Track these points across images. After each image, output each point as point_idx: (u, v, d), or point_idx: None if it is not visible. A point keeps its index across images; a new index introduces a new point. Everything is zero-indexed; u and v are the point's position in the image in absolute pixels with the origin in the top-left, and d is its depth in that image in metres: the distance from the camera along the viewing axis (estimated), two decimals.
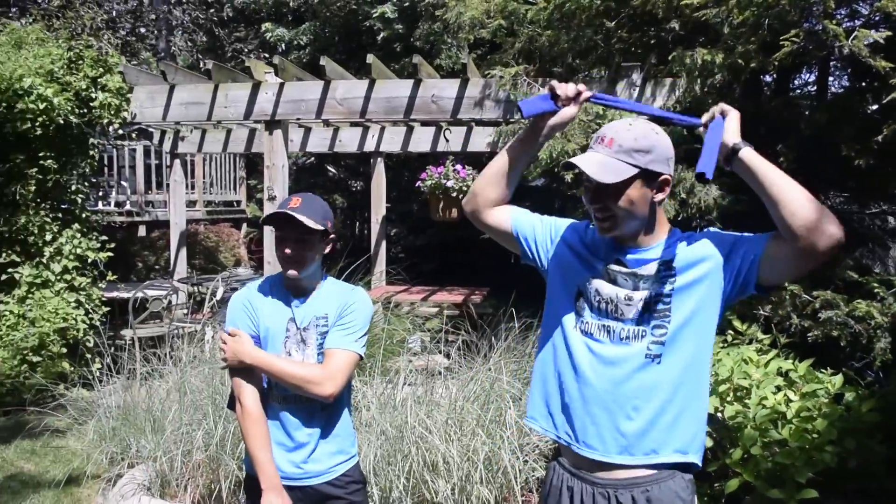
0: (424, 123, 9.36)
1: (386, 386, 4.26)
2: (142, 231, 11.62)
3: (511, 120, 6.24)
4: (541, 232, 2.16)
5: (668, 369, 1.91)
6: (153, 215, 11.76)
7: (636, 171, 1.87)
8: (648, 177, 1.90)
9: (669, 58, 5.08)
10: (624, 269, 1.97)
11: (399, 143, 9.79)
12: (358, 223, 16.60)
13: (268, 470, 2.31)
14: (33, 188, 6.54)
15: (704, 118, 1.96)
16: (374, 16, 12.23)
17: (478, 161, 7.88)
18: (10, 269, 6.54)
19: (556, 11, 5.73)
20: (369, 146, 9.80)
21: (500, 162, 2.13)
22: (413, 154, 13.98)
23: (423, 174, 6.75)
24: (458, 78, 6.35)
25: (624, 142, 1.88)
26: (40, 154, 6.54)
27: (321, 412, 2.41)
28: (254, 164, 15.52)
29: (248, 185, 14.98)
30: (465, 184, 6.64)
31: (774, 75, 6.17)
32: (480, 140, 9.04)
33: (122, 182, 12.14)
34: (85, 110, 6.72)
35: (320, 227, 2.35)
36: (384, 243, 10.37)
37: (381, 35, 12.46)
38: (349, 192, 16.08)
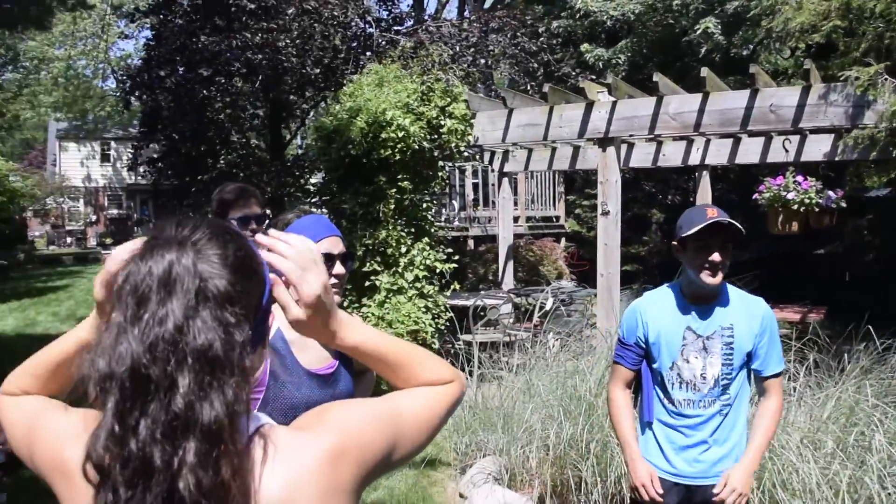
0: (753, 134, 8.97)
1: None
2: (470, 244, 12.57)
3: (859, 125, 5.79)
4: None
5: None
6: (481, 230, 12.66)
7: None
8: None
9: None
10: None
11: (725, 156, 9.50)
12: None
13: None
14: (392, 206, 7.45)
15: None
16: (697, 31, 12.02)
17: (812, 171, 7.39)
18: (371, 277, 7.52)
19: None
20: (694, 160, 9.63)
21: None
22: (735, 167, 13.46)
23: (760, 186, 6.51)
24: (797, 85, 6.03)
25: None
26: (398, 176, 7.44)
27: (721, 418, 2.53)
28: (572, 180, 15.97)
29: (567, 200, 15.44)
30: (806, 195, 6.27)
31: None
32: (815, 149, 8.45)
33: (453, 200, 13.25)
34: (435, 136, 7.51)
35: (742, 233, 2.44)
36: None
37: (704, 48, 12.20)
38: (665, 206, 15.84)
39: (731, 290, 2.60)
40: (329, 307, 1.11)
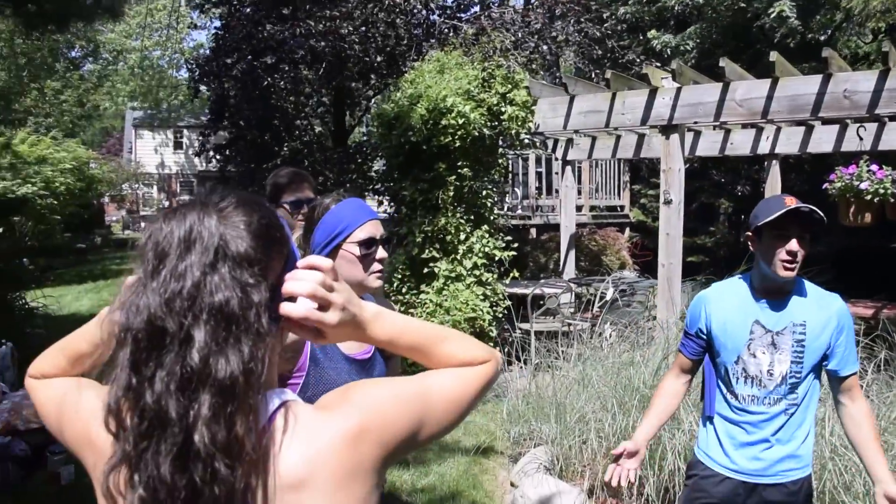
0: (826, 122, 8.63)
1: None
2: (532, 233, 12.48)
3: None
4: None
5: None
6: (543, 219, 12.55)
7: None
8: None
9: None
10: None
11: (797, 144, 9.16)
12: (743, 229, 15.83)
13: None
14: (451, 193, 7.43)
15: None
16: (771, 14, 11.60)
17: (890, 160, 7.05)
18: (430, 264, 7.53)
19: None
20: (763, 148, 9.32)
21: None
22: (807, 156, 12.98)
23: (831, 176, 6.23)
24: (873, 69, 5.74)
25: None
26: (458, 163, 7.41)
27: (787, 417, 2.43)
28: (637, 169, 15.68)
29: (632, 190, 15.18)
30: (881, 185, 5.98)
31: None
32: (893, 137, 8.06)
33: (516, 188, 13.16)
34: (495, 123, 7.46)
35: (823, 222, 2.30)
36: None
37: (778, 33, 11.78)
38: (734, 197, 15.42)
39: (807, 284, 2.47)
40: (356, 309, 1.09)
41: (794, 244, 2.28)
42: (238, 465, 0.90)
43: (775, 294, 2.41)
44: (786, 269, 2.30)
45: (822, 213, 2.28)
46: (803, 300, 2.41)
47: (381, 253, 1.96)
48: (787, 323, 2.38)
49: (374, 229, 1.96)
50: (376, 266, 1.96)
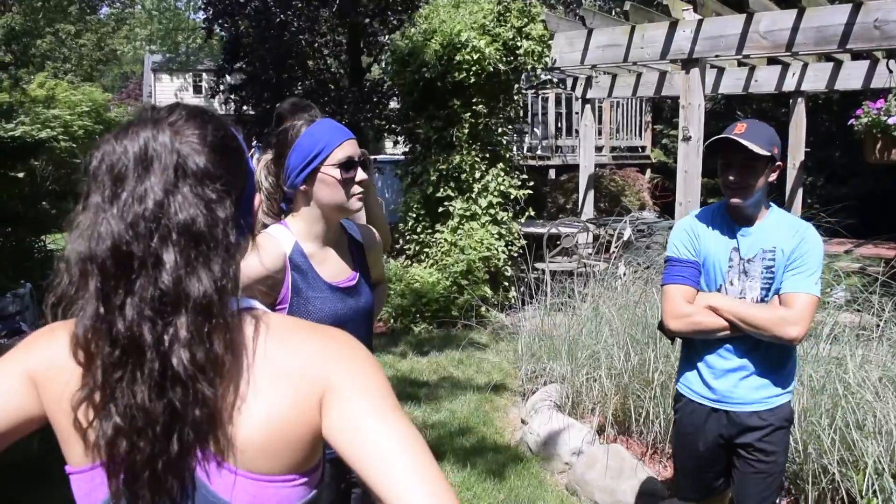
0: (856, 56, 8.32)
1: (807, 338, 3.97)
2: (552, 174, 12.30)
3: None
4: None
5: None
6: (563, 159, 12.36)
7: None
8: None
9: None
10: None
11: (824, 81, 8.85)
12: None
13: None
14: (466, 131, 7.30)
15: None
16: None
17: None
18: (445, 203, 7.44)
19: None
20: (788, 85, 9.02)
21: None
22: (834, 95, 12.61)
23: (857, 111, 6.00)
24: None
25: None
26: (473, 100, 7.26)
27: (766, 345, 2.35)
28: (659, 109, 15.36)
29: (654, 130, 14.89)
30: None
31: None
32: None
33: (535, 129, 12.94)
34: (511, 58, 7.27)
35: (766, 153, 2.26)
36: (800, 192, 9.57)
37: None
38: None
39: (779, 212, 2.42)
40: None
41: (731, 175, 2.30)
42: (219, 383, 0.88)
43: (745, 221, 2.39)
44: (731, 195, 2.32)
45: (754, 147, 2.23)
46: (774, 227, 2.37)
47: (360, 174, 1.87)
48: (758, 250, 2.35)
49: (352, 149, 1.87)
50: (356, 189, 1.87)
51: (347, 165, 1.84)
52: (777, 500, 2.49)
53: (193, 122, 0.95)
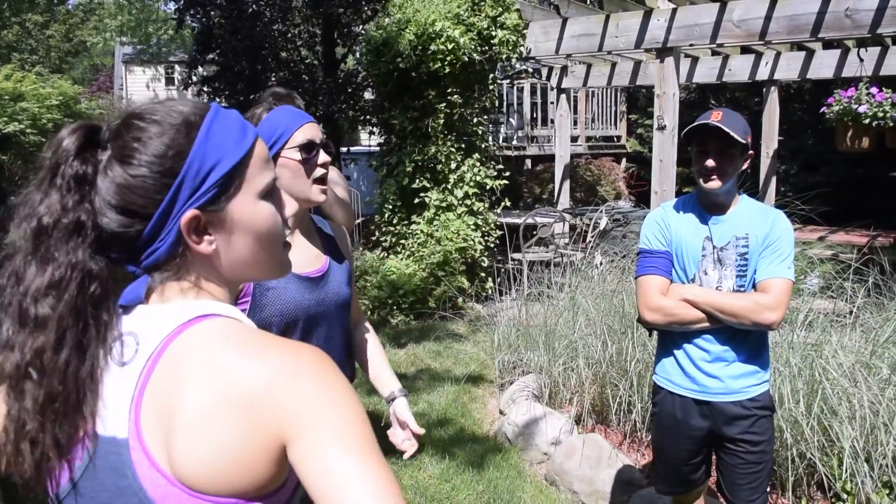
0: (827, 45, 8.39)
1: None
2: (527, 164, 12.30)
3: None
4: None
5: None
6: (538, 149, 12.36)
7: None
8: None
9: None
10: None
11: (797, 70, 8.92)
12: None
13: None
14: (441, 121, 7.26)
15: None
16: None
17: (893, 85, 6.85)
18: (421, 194, 7.41)
19: None
20: (762, 74, 9.08)
21: None
22: (806, 84, 12.71)
23: (829, 99, 6.05)
24: None
25: None
26: (448, 90, 7.22)
27: (744, 333, 2.36)
28: (634, 98, 15.41)
29: (629, 119, 14.94)
30: (880, 108, 5.83)
31: None
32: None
33: (511, 119, 12.93)
34: (486, 48, 7.24)
35: (742, 141, 2.27)
36: (773, 180, 9.65)
37: None
38: None
39: (749, 200, 2.45)
40: None
41: (709, 161, 2.31)
42: None
43: (717, 209, 2.39)
44: (706, 180, 2.33)
45: (733, 133, 2.25)
46: (746, 214, 2.38)
47: (322, 157, 1.83)
48: (731, 237, 2.36)
49: (312, 132, 1.82)
50: (319, 171, 1.83)
51: (309, 147, 1.80)
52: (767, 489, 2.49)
53: None
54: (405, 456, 1.88)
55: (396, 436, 1.93)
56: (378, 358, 2.09)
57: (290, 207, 1.01)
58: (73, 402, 0.87)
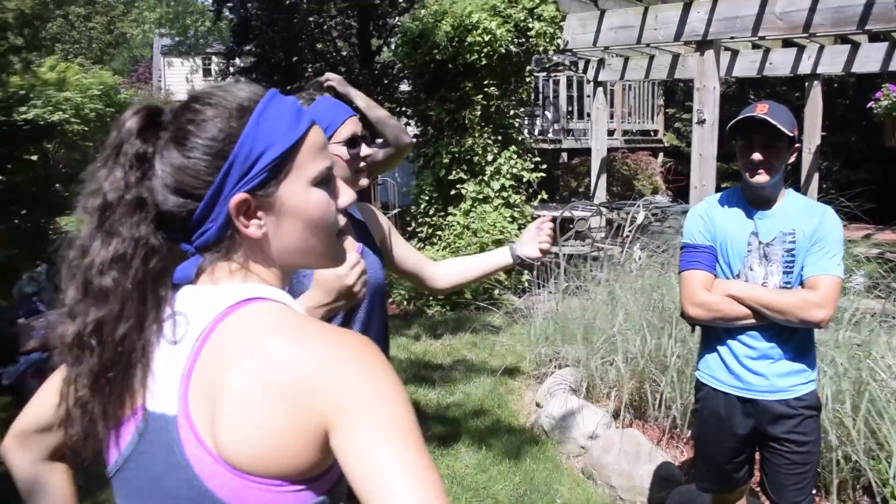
0: (874, 38, 8.19)
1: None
2: (563, 157, 12.23)
3: None
4: None
5: None
6: (574, 143, 12.28)
7: None
8: None
9: None
10: None
11: (841, 64, 8.72)
12: None
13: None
14: (478, 113, 7.25)
15: None
16: None
17: None
18: (457, 186, 7.40)
19: None
20: (804, 68, 8.91)
21: None
22: (851, 78, 12.43)
23: (877, 93, 5.92)
24: None
25: None
26: (484, 82, 7.21)
27: (790, 331, 2.31)
28: (671, 92, 15.23)
29: (666, 113, 14.77)
30: None
31: None
32: None
33: (546, 112, 12.86)
34: (522, 40, 7.20)
35: (789, 133, 2.22)
36: (816, 177, 9.47)
37: None
38: None
39: (796, 195, 2.39)
40: None
41: (756, 155, 2.25)
42: None
43: (763, 204, 2.34)
44: (753, 174, 2.27)
45: (780, 126, 2.19)
46: (792, 209, 2.33)
47: (365, 150, 1.85)
48: (777, 233, 2.30)
49: (355, 126, 1.83)
50: (361, 164, 1.85)
51: (353, 142, 1.81)
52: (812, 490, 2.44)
53: None
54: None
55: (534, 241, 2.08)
56: (463, 258, 2.14)
57: (347, 197, 1.01)
58: (125, 374, 0.90)
